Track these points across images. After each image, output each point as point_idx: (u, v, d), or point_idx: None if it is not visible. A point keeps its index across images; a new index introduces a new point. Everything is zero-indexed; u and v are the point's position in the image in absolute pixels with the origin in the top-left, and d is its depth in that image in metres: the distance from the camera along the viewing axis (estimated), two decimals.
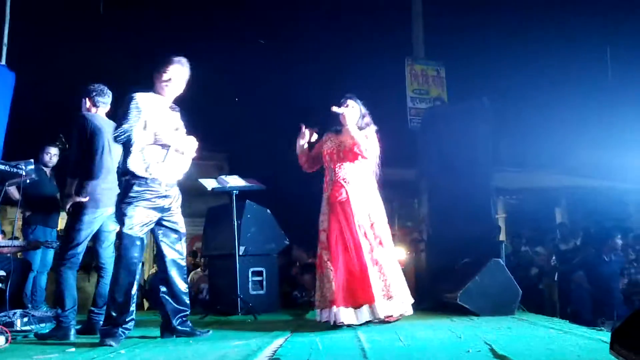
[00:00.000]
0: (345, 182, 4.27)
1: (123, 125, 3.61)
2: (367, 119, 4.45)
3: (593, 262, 7.15)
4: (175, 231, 3.94)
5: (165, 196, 3.78)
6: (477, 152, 6.59)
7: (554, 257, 8.09)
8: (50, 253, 5.78)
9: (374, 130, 4.42)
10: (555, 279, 7.62)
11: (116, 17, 8.59)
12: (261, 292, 6.13)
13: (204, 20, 10.25)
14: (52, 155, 6.00)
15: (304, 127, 4.49)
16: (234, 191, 5.89)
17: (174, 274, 3.89)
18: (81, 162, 4.18)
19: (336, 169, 4.33)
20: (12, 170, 4.10)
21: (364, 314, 4.01)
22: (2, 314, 4.26)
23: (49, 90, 8.93)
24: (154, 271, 9.77)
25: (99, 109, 4.40)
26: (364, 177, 4.34)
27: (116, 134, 3.65)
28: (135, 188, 3.65)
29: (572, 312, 6.80)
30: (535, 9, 10.16)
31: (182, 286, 3.96)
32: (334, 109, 4.31)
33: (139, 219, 3.66)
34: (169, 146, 3.74)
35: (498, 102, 9.14)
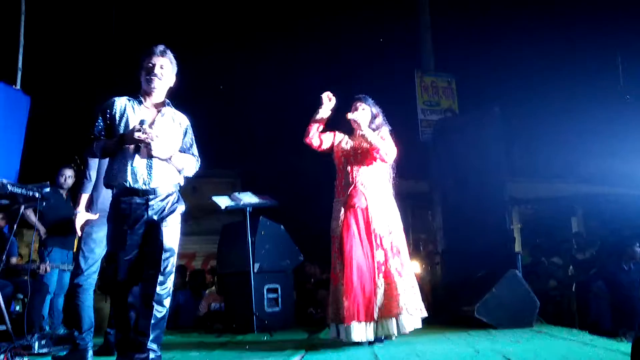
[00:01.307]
0: (363, 187, 4.08)
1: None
2: (380, 119, 4.25)
3: (612, 271, 7.05)
4: None
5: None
6: (489, 163, 6.57)
7: (571, 267, 8.00)
8: (67, 275, 5.81)
9: (387, 131, 4.23)
10: (573, 289, 7.52)
11: (128, 38, 8.71)
12: (277, 309, 6.11)
13: (216, 38, 10.35)
14: (67, 177, 6.06)
15: (327, 96, 4.17)
16: (248, 208, 5.90)
17: None
18: (92, 180, 4.21)
19: (353, 173, 4.12)
20: (28, 193, 4.14)
21: (379, 329, 3.87)
22: (20, 336, 4.29)
23: (64, 112, 9.05)
24: None
25: None
26: (381, 181, 4.16)
27: None
28: None
29: (592, 322, 6.69)
30: (545, 17, 10.15)
31: None
32: (349, 116, 4.10)
33: None
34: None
35: (510, 112, 9.11)
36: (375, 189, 4.08)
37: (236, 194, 6.09)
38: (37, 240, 6.11)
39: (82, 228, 4.07)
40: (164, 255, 3.15)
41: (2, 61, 6.68)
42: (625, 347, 3.32)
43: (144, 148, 3.18)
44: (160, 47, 3.35)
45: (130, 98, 3.34)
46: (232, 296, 6.46)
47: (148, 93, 3.33)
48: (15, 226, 4.84)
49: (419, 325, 3.97)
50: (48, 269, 5.24)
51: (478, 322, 4.91)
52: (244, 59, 10.46)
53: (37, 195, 4.20)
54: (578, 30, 9.76)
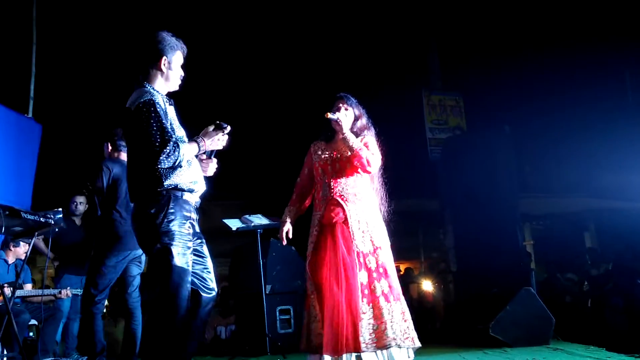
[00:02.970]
0: (342, 199, 3.54)
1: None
2: (363, 120, 3.71)
3: (627, 286, 6.97)
4: None
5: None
6: (500, 180, 6.55)
7: (585, 283, 7.91)
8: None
9: (373, 135, 3.71)
10: (589, 304, 7.43)
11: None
12: (289, 330, 6.07)
13: (221, 60, 10.47)
14: (79, 203, 6.09)
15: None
16: (259, 230, 5.91)
17: None
18: (104, 208, 4.26)
19: (331, 184, 3.58)
20: (41, 220, 4.17)
21: None
22: None
23: (75, 140, 9.16)
24: None
25: (121, 153, 4.45)
26: (365, 193, 3.60)
27: None
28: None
29: (609, 339, 6.61)
30: (553, 35, 10.19)
31: None
32: (329, 115, 3.57)
33: None
34: None
35: (519, 128, 9.11)
36: (357, 202, 3.54)
37: (247, 216, 6.10)
38: (51, 266, 6.14)
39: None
40: None
41: (14, 90, 6.78)
42: None
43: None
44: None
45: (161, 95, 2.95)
46: (244, 318, 6.44)
47: (167, 91, 3.01)
48: (28, 253, 4.86)
49: (410, 357, 3.40)
50: (69, 293, 5.26)
51: (493, 341, 4.86)
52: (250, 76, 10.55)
53: (50, 221, 4.23)
54: (586, 48, 9.78)
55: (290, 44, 10.26)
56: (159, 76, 2.95)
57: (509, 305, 5.01)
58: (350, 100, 3.70)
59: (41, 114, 6.76)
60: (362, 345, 3.25)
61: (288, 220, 3.74)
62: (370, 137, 3.66)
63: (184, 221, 2.83)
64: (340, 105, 3.67)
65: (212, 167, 3.16)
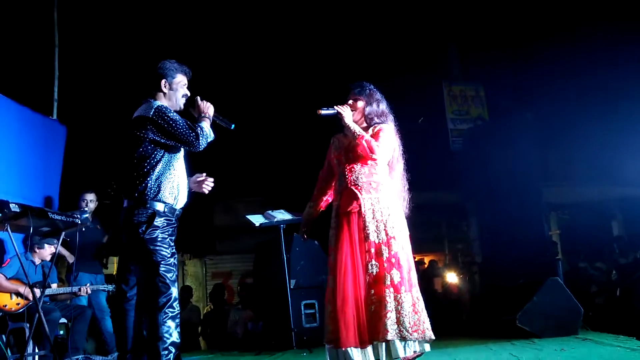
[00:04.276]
0: (357, 188, 3.50)
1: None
2: (378, 107, 3.66)
3: None
4: None
5: None
6: (524, 169, 6.48)
7: (614, 272, 7.80)
8: (103, 297, 5.90)
9: (391, 123, 3.66)
10: (617, 294, 7.33)
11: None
12: (315, 324, 6.09)
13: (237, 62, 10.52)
14: (89, 201, 6.05)
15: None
16: (282, 225, 5.93)
17: None
18: None
19: (346, 174, 3.56)
20: (68, 220, 4.25)
21: (373, 354, 3.28)
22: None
23: (99, 140, 9.27)
24: (209, 309, 9.87)
25: None
26: (382, 182, 3.55)
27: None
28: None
29: (639, 327, 6.51)
30: (575, 17, 9.99)
31: None
32: (321, 112, 3.58)
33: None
34: None
35: (543, 116, 8.98)
36: (372, 191, 3.50)
37: (270, 211, 6.13)
38: (63, 264, 6.19)
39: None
40: None
41: (38, 93, 6.89)
42: None
43: None
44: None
45: None
46: (269, 313, 6.48)
47: (177, 107, 3.40)
48: (56, 253, 4.95)
49: (421, 349, 3.31)
50: (88, 290, 5.32)
51: (520, 331, 4.82)
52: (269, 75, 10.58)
53: (77, 221, 4.30)
54: (610, 30, 9.57)
55: (312, 38, 10.25)
56: (162, 97, 3.38)
57: (536, 296, 4.96)
58: (359, 89, 3.68)
59: (65, 115, 6.86)
60: (367, 338, 3.24)
61: (307, 218, 3.83)
62: (384, 124, 3.61)
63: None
64: (351, 99, 3.68)
65: (208, 184, 3.58)
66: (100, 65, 9.18)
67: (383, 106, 3.67)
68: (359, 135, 3.47)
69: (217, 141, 3.48)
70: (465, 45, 10.34)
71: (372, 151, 3.44)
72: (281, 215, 6.01)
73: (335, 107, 3.56)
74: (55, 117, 6.72)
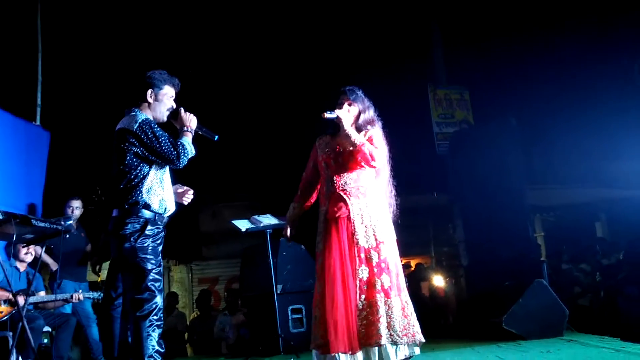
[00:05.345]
0: (345, 194, 3.50)
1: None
2: (369, 114, 3.66)
3: None
4: None
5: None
6: (508, 172, 6.54)
7: (598, 273, 7.88)
8: (88, 304, 5.84)
9: (379, 129, 3.66)
10: (602, 295, 7.40)
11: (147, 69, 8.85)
12: (302, 329, 6.06)
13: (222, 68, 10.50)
14: (75, 208, 6.01)
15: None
16: (268, 230, 5.92)
17: None
18: None
19: (334, 178, 3.55)
20: (52, 227, 4.20)
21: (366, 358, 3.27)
22: None
23: (83, 146, 9.20)
24: (195, 315, 9.81)
25: None
26: (369, 187, 3.55)
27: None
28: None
29: (623, 328, 6.58)
30: (558, 23, 10.10)
31: None
32: (326, 115, 3.53)
33: None
34: None
35: (526, 120, 9.06)
36: (360, 196, 3.51)
37: (256, 216, 6.11)
38: (47, 272, 6.14)
39: None
40: None
41: (21, 98, 6.82)
42: None
43: None
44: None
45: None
46: (256, 318, 6.46)
47: (160, 119, 3.39)
48: (40, 260, 4.90)
49: (411, 352, 3.34)
50: (81, 297, 5.27)
51: (507, 334, 4.85)
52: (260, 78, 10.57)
53: (60, 228, 4.26)
54: (593, 35, 9.70)
55: (296, 41, 10.25)
56: (146, 107, 3.35)
57: (522, 298, 4.99)
58: (354, 95, 3.66)
59: (49, 121, 6.80)
60: (357, 343, 3.24)
61: (291, 219, 3.84)
62: (375, 130, 3.62)
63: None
64: (344, 100, 3.64)
65: (189, 196, 3.64)
66: (83, 71, 9.12)
67: (372, 112, 3.69)
68: (360, 143, 3.47)
69: (201, 146, 3.49)
70: (450, 48, 10.41)
71: (373, 159, 3.47)
72: (267, 219, 6.00)
73: (336, 111, 3.54)
74: (38, 122, 6.66)
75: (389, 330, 3.23)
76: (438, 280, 9.91)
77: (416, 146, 9.86)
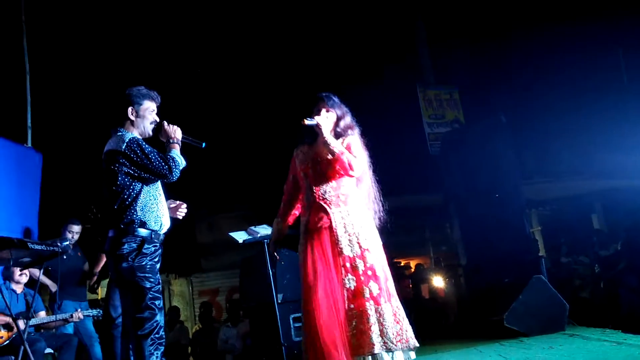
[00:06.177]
0: (326, 203, 3.42)
1: None
2: (347, 120, 3.57)
3: None
4: None
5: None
6: (502, 169, 6.55)
7: (596, 265, 7.90)
8: (90, 323, 5.83)
9: (357, 136, 3.56)
10: (601, 286, 7.41)
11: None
12: None
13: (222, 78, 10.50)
14: (75, 232, 5.98)
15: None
16: (265, 240, 5.91)
17: None
18: None
19: (313, 188, 3.46)
20: (49, 249, 4.20)
21: None
22: None
23: (76, 166, 9.18)
24: (198, 328, 9.78)
25: None
26: (350, 195, 3.46)
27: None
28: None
29: (624, 319, 6.60)
30: (544, 17, 10.15)
31: None
32: (306, 122, 3.42)
33: None
34: None
35: (517, 115, 9.09)
36: (341, 205, 3.42)
37: (252, 227, 6.10)
38: (46, 293, 6.13)
39: None
40: None
41: (12, 121, 6.80)
42: None
43: None
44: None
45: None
46: (258, 328, 6.44)
47: (145, 135, 3.36)
48: (38, 282, 4.89)
49: (406, 358, 3.28)
50: (81, 316, 5.26)
51: (508, 331, 4.85)
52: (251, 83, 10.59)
53: (57, 250, 4.26)
54: (577, 28, 9.75)
55: (287, 50, 10.27)
56: (130, 125, 3.32)
57: (522, 295, 5.00)
58: (331, 101, 3.56)
59: (40, 142, 6.78)
60: (349, 354, 3.17)
61: (274, 238, 3.79)
62: (353, 138, 3.53)
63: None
64: (322, 107, 3.54)
65: (182, 210, 3.63)
66: (72, 90, 9.12)
67: (349, 118, 3.59)
68: (339, 151, 3.38)
69: (193, 158, 3.49)
70: (437, 48, 10.45)
71: (352, 168, 3.38)
72: (264, 230, 5.99)
73: (315, 117, 3.44)
74: (29, 144, 6.64)
75: (382, 338, 3.17)
76: (437, 281, 9.92)
77: (409, 147, 9.89)
